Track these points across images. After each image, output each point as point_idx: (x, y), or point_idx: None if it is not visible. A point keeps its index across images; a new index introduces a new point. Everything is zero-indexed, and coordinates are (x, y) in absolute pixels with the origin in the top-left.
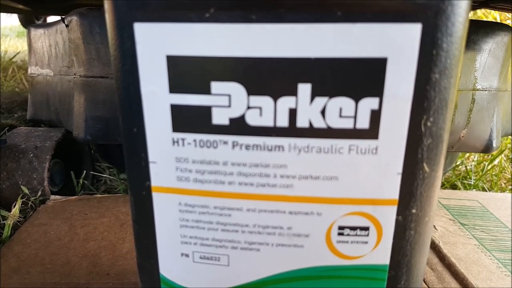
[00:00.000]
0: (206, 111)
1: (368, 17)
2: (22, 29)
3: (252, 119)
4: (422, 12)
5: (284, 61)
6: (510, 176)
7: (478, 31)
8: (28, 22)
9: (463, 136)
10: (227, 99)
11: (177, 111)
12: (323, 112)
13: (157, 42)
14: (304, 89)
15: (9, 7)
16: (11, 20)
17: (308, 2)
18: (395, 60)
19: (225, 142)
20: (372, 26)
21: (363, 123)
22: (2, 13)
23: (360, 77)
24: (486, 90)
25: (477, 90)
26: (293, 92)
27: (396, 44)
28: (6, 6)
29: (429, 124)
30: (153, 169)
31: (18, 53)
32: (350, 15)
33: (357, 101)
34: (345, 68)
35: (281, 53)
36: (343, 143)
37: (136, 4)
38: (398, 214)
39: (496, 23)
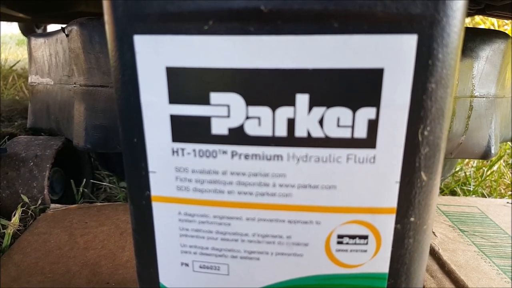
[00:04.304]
0: (205, 121)
1: (365, 29)
2: (22, 37)
3: (251, 129)
4: (417, 23)
5: (282, 72)
6: (509, 182)
7: (475, 39)
8: (28, 30)
9: (461, 143)
10: (226, 109)
11: (176, 121)
12: (321, 122)
13: (157, 54)
14: (302, 99)
15: (10, 16)
16: (12, 28)
17: (305, 14)
18: (391, 71)
19: (225, 152)
20: (368, 37)
21: (361, 132)
22: (2, 22)
23: (357, 87)
24: (483, 97)
25: (475, 97)
26: (291, 102)
27: (392, 54)
28: (7, 15)
29: (426, 133)
30: (153, 179)
31: (18, 61)
32: (347, 27)
33: (354, 110)
34: (342, 79)
35: (279, 64)
36: (341, 152)
37: (135, 17)
38: (396, 222)
39: (493, 30)
